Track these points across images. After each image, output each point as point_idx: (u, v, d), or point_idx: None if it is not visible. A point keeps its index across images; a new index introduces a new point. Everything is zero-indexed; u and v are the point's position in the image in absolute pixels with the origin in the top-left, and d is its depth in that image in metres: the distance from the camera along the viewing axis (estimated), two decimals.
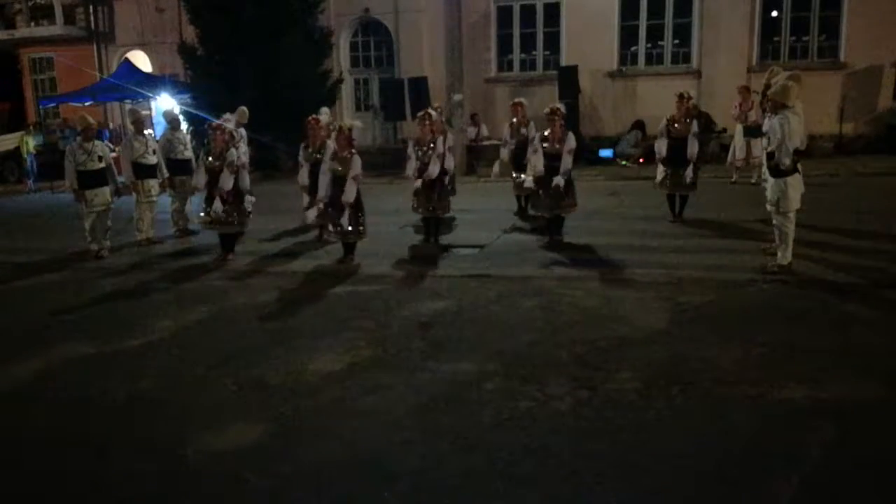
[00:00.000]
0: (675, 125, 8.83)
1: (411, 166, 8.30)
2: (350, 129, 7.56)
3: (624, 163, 15.83)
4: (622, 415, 3.93)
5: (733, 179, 12.07)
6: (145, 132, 9.65)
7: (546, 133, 8.11)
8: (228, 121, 9.40)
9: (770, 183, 6.58)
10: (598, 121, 17.25)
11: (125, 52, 21.00)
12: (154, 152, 9.46)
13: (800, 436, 3.63)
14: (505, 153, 9.81)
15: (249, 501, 3.32)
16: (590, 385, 4.31)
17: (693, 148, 8.72)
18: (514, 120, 9.77)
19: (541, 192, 8.14)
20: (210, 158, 8.02)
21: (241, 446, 3.79)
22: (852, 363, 4.51)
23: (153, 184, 9.46)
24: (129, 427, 4.12)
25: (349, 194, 7.38)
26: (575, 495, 3.22)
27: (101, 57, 21.23)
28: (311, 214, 7.82)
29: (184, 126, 11.75)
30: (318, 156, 8.23)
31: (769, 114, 6.62)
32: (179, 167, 9.75)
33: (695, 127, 8.84)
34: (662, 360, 4.66)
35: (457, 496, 3.26)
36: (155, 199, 9.55)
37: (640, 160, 15.45)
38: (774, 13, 16.44)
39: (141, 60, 20.42)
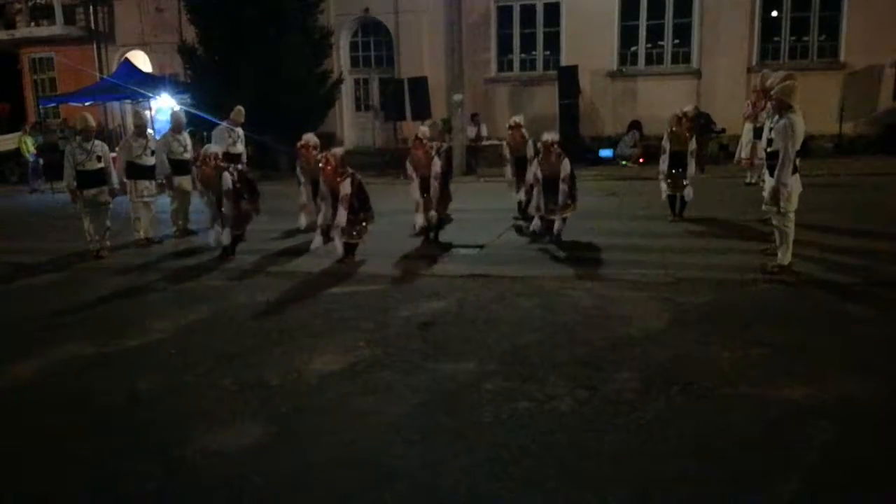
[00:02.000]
0: (676, 140, 8.99)
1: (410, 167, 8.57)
2: (339, 158, 7.56)
3: (624, 163, 15.84)
4: (622, 415, 3.94)
5: (748, 180, 11.92)
6: (147, 133, 9.66)
7: (540, 158, 8.26)
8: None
9: (769, 183, 6.58)
10: (598, 121, 17.26)
11: (125, 52, 21.01)
12: (153, 153, 9.42)
13: (800, 436, 3.63)
14: (508, 172, 9.78)
15: (249, 501, 3.32)
16: (590, 385, 4.31)
17: (691, 167, 9.03)
18: (511, 144, 9.65)
19: (541, 194, 8.24)
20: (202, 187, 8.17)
21: (241, 446, 3.79)
22: (852, 363, 4.51)
23: (146, 184, 9.41)
24: (129, 427, 4.11)
25: (340, 218, 7.41)
26: (575, 495, 3.22)
27: (101, 57, 21.25)
28: (317, 243, 7.78)
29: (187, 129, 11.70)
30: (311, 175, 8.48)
31: (772, 114, 6.61)
32: (178, 168, 9.71)
33: (692, 145, 9.06)
34: (662, 360, 4.66)
35: (457, 496, 3.26)
36: (149, 199, 9.47)
37: (641, 160, 15.46)
38: (774, 13, 16.45)
39: (141, 60, 20.42)
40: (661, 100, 15.22)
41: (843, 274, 6.47)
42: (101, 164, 8.59)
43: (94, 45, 21.17)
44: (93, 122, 8.83)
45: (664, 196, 9.25)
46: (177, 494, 3.41)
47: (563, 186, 8.01)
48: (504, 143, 9.95)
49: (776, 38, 16.52)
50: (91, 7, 21.10)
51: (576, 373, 4.50)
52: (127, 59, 20.24)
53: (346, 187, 7.40)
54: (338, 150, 7.90)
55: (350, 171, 7.55)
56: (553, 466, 3.44)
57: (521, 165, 9.35)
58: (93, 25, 21.18)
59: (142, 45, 20.74)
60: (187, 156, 9.81)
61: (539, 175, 8.17)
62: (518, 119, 9.79)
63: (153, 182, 9.54)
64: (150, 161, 9.41)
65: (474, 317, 5.77)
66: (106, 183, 8.68)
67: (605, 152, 16.32)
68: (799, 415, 3.85)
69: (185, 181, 9.76)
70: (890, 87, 15.67)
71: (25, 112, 22.11)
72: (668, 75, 16.73)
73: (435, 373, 4.63)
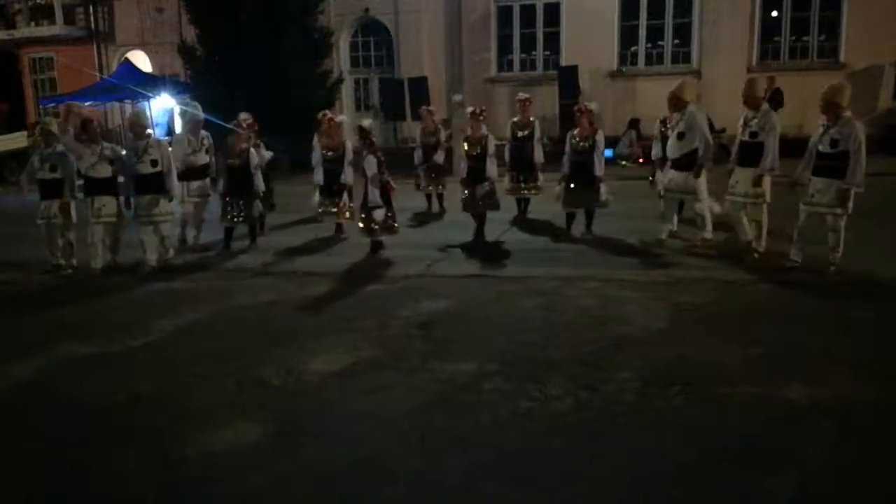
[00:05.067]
0: (668, 126, 8.91)
1: (418, 155, 10.30)
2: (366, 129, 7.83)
3: (623, 163, 15.83)
4: (622, 415, 3.94)
5: None
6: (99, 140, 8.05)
7: (575, 131, 8.55)
8: (247, 120, 9.33)
9: (825, 184, 6.48)
10: (599, 121, 17.18)
11: (125, 52, 21.01)
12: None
13: (800, 436, 3.63)
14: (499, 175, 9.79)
15: (249, 501, 3.32)
16: (590, 385, 4.31)
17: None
18: (516, 119, 9.54)
19: (572, 186, 8.48)
20: (232, 157, 8.40)
21: (241, 446, 3.79)
22: (852, 363, 4.51)
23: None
24: (129, 427, 4.12)
25: (373, 197, 7.54)
26: (575, 495, 3.23)
27: (101, 57, 21.24)
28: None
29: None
30: (331, 153, 8.76)
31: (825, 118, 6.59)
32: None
33: None
34: (662, 360, 4.66)
35: (457, 496, 3.26)
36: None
37: (640, 160, 15.44)
38: (774, 13, 16.45)
39: (141, 60, 20.42)
40: (662, 100, 15.10)
41: (843, 274, 6.46)
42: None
43: (94, 45, 21.17)
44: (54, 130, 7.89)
45: (659, 187, 9.15)
46: (177, 494, 3.41)
47: (600, 159, 8.46)
48: (509, 123, 9.74)
49: (776, 38, 16.52)
50: (91, 7, 21.10)
51: (576, 373, 4.50)
52: (127, 59, 20.25)
53: (371, 166, 7.49)
54: (344, 117, 8.70)
55: (375, 148, 7.77)
56: (553, 466, 3.44)
57: (520, 156, 9.36)
58: (93, 25, 21.17)
59: (142, 45, 20.72)
60: (160, 167, 7.70)
61: (570, 147, 8.51)
62: (527, 95, 9.80)
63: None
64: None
65: (474, 317, 5.77)
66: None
67: (606, 152, 16.29)
68: (799, 415, 3.86)
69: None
70: (890, 87, 15.67)
71: (25, 112, 22.10)
72: (668, 75, 16.66)
73: (435, 373, 4.63)
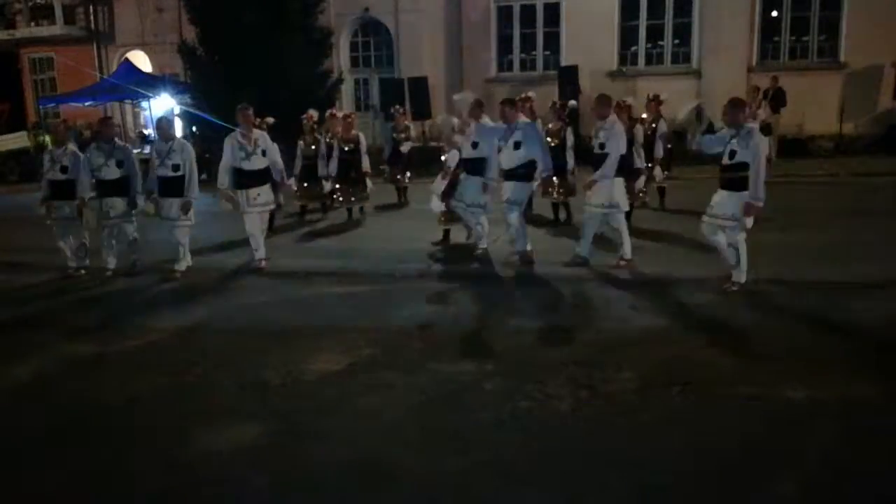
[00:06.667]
0: (644, 126, 9.11)
1: (386, 151, 11.67)
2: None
3: None
4: (622, 415, 3.94)
5: None
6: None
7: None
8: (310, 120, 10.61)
9: (729, 198, 6.04)
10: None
11: (125, 52, 21.01)
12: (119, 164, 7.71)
13: (800, 436, 3.63)
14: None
15: (249, 501, 3.32)
16: (590, 385, 4.31)
17: (658, 150, 9.21)
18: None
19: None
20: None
21: (241, 446, 3.79)
22: (852, 363, 4.51)
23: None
24: (129, 427, 4.12)
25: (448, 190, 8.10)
26: (575, 495, 3.23)
27: (101, 57, 21.24)
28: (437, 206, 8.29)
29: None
30: (349, 146, 10.03)
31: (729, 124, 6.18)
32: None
33: (662, 127, 9.22)
34: (662, 360, 4.66)
35: (457, 496, 3.26)
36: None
37: None
38: (774, 13, 16.45)
39: (141, 60, 20.42)
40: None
41: (843, 274, 6.46)
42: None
43: (94, 45, 21.16)
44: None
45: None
46: (177, 494, 3.41)
47: (634, 156, 8.51)
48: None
49: (776, 38, 16.52)
50: (91, 7, 21.10)
51: (576, 373, 4.50)
52: (127, 59, 20.25)
53: (452, 160, 7.96)
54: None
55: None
56: (553, 466, 3.44)
57: None
58: (93, 25, 21.17)
59: (142, 45, 20.72)
60: (182, 171, 7.43)
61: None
62: (531, 94, 9.61)
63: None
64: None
65: (474, 317, 5.77)
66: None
67: None
68: (799, 415, 3.86)
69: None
70: (890, 87, 15.66)
71: (25, 112, 22.09)
72: (668, 75, 16.70)
73: (435, 373, 4.63)
